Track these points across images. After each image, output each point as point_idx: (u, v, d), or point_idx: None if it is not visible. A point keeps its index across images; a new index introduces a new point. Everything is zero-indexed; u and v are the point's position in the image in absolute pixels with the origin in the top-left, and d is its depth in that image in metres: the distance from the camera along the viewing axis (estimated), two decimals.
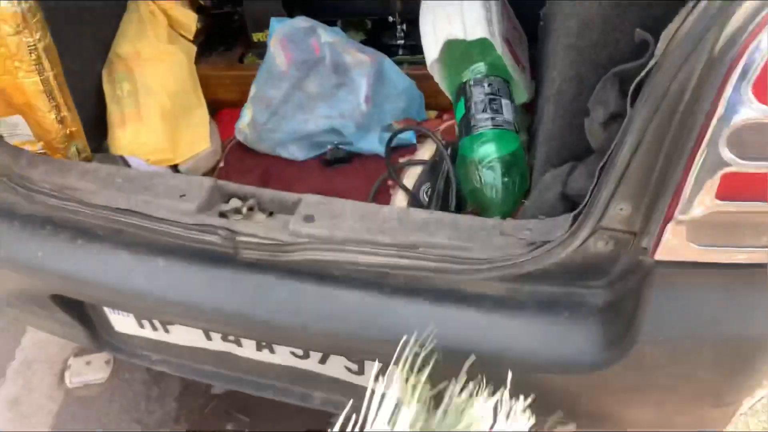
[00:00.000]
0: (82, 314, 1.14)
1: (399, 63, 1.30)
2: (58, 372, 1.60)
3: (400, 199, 1.12)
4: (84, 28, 1.21)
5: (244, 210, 0.95)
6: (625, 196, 0.73)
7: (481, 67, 1.09)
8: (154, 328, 1.10)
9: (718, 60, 0.62)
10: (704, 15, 0.62)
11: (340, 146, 1.22)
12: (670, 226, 0.72)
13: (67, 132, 1.06)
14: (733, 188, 0.67)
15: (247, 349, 1.05)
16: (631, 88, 0.70)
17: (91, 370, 1.58)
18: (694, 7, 0.63)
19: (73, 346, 1.62)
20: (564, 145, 0.91)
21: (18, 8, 0.91)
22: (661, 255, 0.75)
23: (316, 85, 1.19)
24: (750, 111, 0.62)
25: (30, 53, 0.95)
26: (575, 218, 0.79)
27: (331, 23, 1.42)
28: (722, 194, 0.68)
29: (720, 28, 0.61)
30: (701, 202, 0.69)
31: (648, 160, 0.70)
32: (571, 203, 0.89)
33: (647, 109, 0.66)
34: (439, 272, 0.86)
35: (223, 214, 0.95)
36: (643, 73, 0.68)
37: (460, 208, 1.07)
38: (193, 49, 1.34)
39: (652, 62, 0.67)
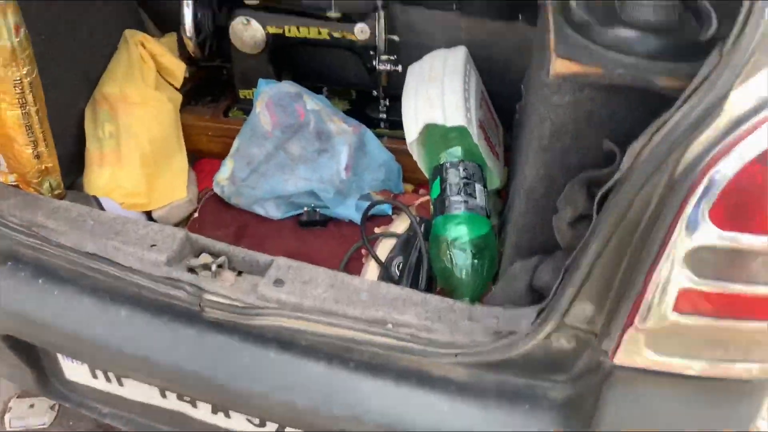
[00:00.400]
0: (32, 358, 1.10)
1: (380, 136, 1.34)
2: None
3: (371, 268, 1.13)
4: (72, 64, 1.22)
5: (214, 267, 0.95)
6: (588, 296, 0.76)
7: (457, 151, 1.14)
8: (108, 380, 1.06)
9: (678, 182, 0.65)
10: (668, 138, 0.66)
11: (317, 209, 1.24)
12: (629, 333, 0.75)
13: (43, 167, 1.04)
14: (689, 304, 0.71)
15: (202, 411, 1.03)
16: (598, 196, 0.74)
17: (33, 414, 1.49)
18: (658, 129, 0.68)
19: (17, 387, 1.54)
20: (533, 238, 0.95)
21: (8, 42, 0.91)
22: (620, 360, 0.77)
23: (299, 148, 1.22)
24: (706, 235, 0.66)
25: (15, 87, 0.95)
26: (540, 312, 0.82)
27: (317, 89, 1.47)
28: (679, 308, 0.71)
29: (682, 152, 0.65)
30: (659, 313, 0.72)
31: (611, 266, 0.73)
32: (537, 295, 0.92)
33: (612, 219, 0.70)
34: (405, 351, 0.87)
35: (192, 269, 0.94)
36: (609, 184, 0.72)
37: (430, 286, 1.08)
38: (180, 97, 1.35)
39: (618, 175, 0.71)
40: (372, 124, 1.39)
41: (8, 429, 1.49)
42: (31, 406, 1.52)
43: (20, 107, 0.97)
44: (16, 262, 0.99)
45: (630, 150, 0.72)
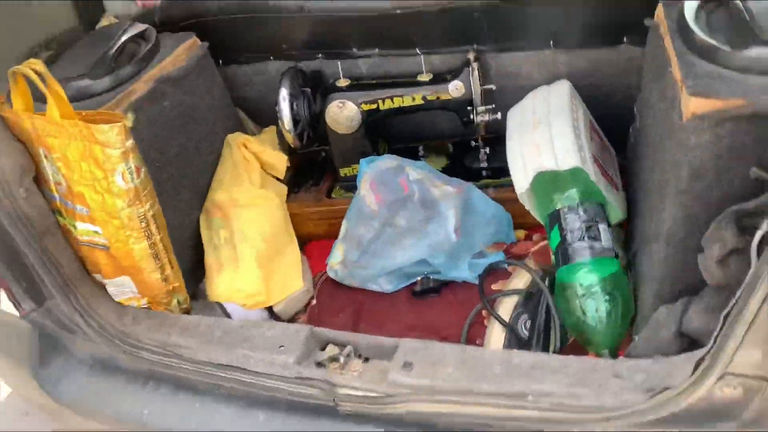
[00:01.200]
0: None
1: (484, 187, 1.30)
2: None
3: (496, 331, 1.08)
4: (184, 180, 1.28)
5: (342, 358, 0.94)
6: (755, 342, 0.68)
7: (573, 193, 1.06)
8: None
9: None
10: None
11: (430, 276, 1.21)
12: None
13: (171, 288, 1.10)
14: None
15: None
16: (757, 237, 0.66)
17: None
18: None
19: None
20: (676, 282, 0.87)
21: (132, 185, 0.97)
22: None
23: (406, 220, 1.20)
24: None
25: (140, 222, 1.01)
26: (698, 363, 0.73)
27: (413, 149, 1.46)
28: None
29: None
30: None
31: None
32: (687, 341, 0.83)
33: None
34: (551, 423, 0.81)
35: (320, 364, 0.94)
36: None
37: (563, 343, 1.01)
38: (285, 189, 1.39)
39: None
40: (474, 175, 1.35)
41: None
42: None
43: (146, 239, 1.02)
44: (156, 381, 1.04)
45: None
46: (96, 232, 1.04)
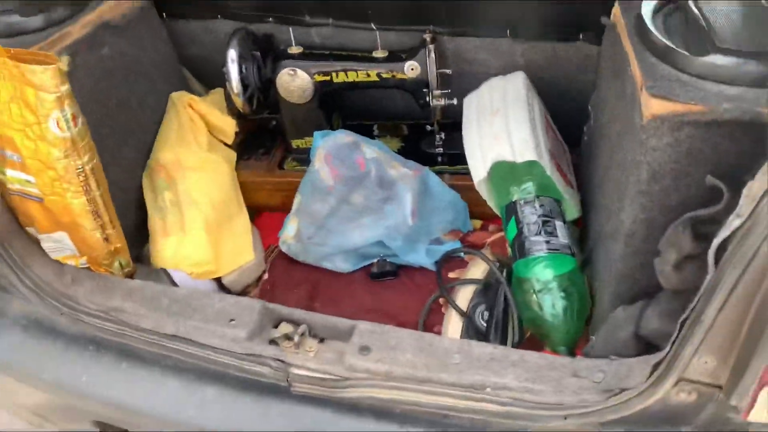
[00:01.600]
0: None
1: (439, 173, 1.29)
2: None
3: (453, 319, 1.08)
4: (126, 136, 1.21)
5: (296, 337, 0.91)
6: (710, 350, 0.71)
7: (530, 187, 1.08)
8: None
9: None
10: None
11: (387, 259, 1.20)
12: (766, 391, 0.69)
13: (112, 248, 1.03)
14: None
15: None
16: (714, 245, 0.68)
17: None
18: None
19: None
20: (635, 283, 0.90)
21: (68, 133, 0.90)
22: (756, 418, 0.71)
23: (362, 198, 1.18)
24: None
25: (78, 175, 0.94)
26: (655, 367, 0.76)
27: (367, 127, 1.44)
28: None
29: None
30: None
31: (735, 319, 0.68)
32: (644, 343, 0.87)
33: (735, 272, 0.65)
34: (508, 417, 0.82)
35: (273, 341, 0.92)
36: (728, 233, 0.66)
37: (521, 339, 1.03)
38: (234, 155, 1.33)
39: (737, 222, 0.65)
40: (429, 159, 1.34)
41: None
42: None
43: (85, 194, 0.96)
44: (98, 346, 0.98)
45: (748, 192, 0.66)
46: (28, 182, 0.97)
